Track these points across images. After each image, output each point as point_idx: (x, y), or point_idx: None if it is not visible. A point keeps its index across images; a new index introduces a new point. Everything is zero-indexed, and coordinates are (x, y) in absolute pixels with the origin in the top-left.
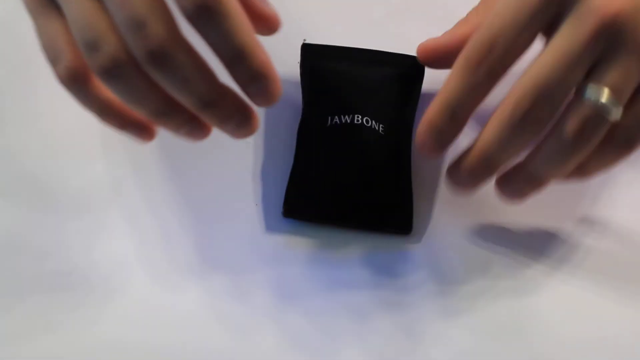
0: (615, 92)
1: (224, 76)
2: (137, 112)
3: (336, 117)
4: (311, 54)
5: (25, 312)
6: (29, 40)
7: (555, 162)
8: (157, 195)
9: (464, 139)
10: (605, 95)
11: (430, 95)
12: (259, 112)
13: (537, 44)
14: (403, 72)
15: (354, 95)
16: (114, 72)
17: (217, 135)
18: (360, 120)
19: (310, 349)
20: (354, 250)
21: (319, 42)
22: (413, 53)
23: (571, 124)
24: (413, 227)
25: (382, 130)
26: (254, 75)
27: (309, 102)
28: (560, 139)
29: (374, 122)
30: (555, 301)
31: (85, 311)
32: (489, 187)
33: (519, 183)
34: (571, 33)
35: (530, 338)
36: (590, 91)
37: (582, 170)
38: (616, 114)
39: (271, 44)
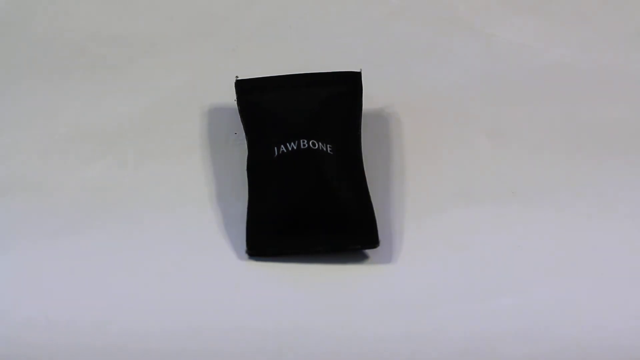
0: None
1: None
2: None
3: (282, 146)
4: (246, 88)
5: None
6: (28, 39)
7: None
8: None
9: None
10: None
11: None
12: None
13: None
14: (340, 89)
15: (295, 121)
16: None
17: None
18: (306, 145)
19: None
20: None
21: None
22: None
23: None
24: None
25: (330, 150)
26: None
27: (252, 137)
28: None
29: (320, 143)
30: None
31: None
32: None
33: None
34: None
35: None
36: None
37: None
38: None
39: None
